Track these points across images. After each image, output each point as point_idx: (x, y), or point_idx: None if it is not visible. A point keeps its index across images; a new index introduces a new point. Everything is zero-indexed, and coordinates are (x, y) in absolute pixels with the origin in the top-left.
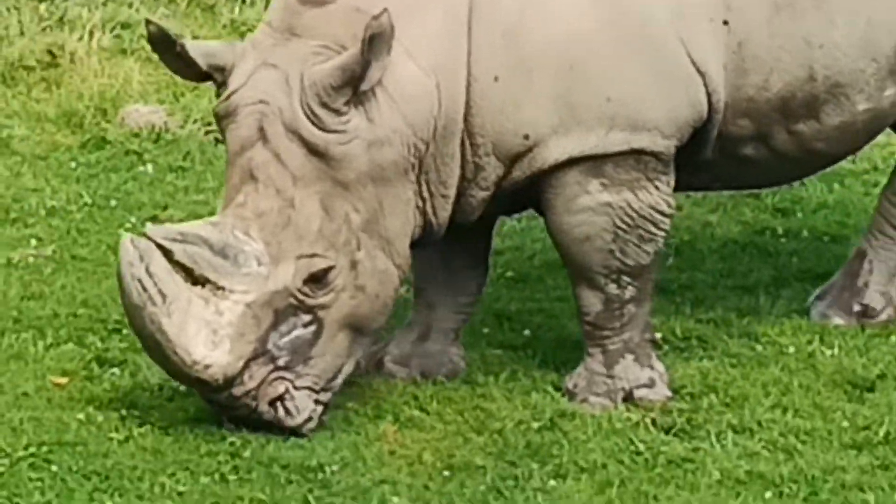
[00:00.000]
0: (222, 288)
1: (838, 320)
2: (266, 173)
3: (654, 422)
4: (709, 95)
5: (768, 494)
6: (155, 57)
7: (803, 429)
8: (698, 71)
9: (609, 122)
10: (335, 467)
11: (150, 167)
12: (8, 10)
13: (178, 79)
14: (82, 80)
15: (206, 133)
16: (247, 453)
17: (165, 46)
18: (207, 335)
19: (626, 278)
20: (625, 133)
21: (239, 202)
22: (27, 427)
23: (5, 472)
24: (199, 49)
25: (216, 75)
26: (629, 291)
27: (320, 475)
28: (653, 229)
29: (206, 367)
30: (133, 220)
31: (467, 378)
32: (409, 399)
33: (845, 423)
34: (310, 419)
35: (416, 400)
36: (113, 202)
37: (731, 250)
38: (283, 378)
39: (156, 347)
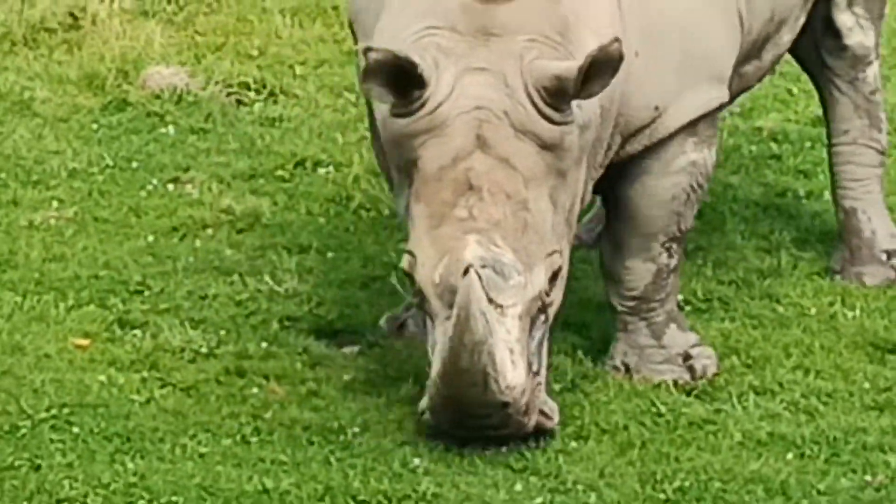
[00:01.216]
0: (501, 305)
1: (869, 280)
2: (491, 180)
3: (675, 383)
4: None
5: (789, 456)
6: (177, 18)
7: (825, 390)
8: (740, 21)
9: (708, 79)
10: (356, 429)
11: (171, 129)
12: None
13: (199, 40)
14: (104, 43)
15: (228, 95)
16: (268, 415)
17: (389, 75)
18: (509, 357)
19: (675, 245)
20: (718, 88)
21: (462, 217)
22: (49, 389)
23: (27, 434)
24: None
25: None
26: (674, 260)
27: (342, 437)
28: (706, 187)
29: (512, 388)
30: (154, 181)
31: None
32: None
33: (867, 385)
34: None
35: None
36: (134, 164)
37: (753, 212)
38: (539, 384)
39: (473, 379)
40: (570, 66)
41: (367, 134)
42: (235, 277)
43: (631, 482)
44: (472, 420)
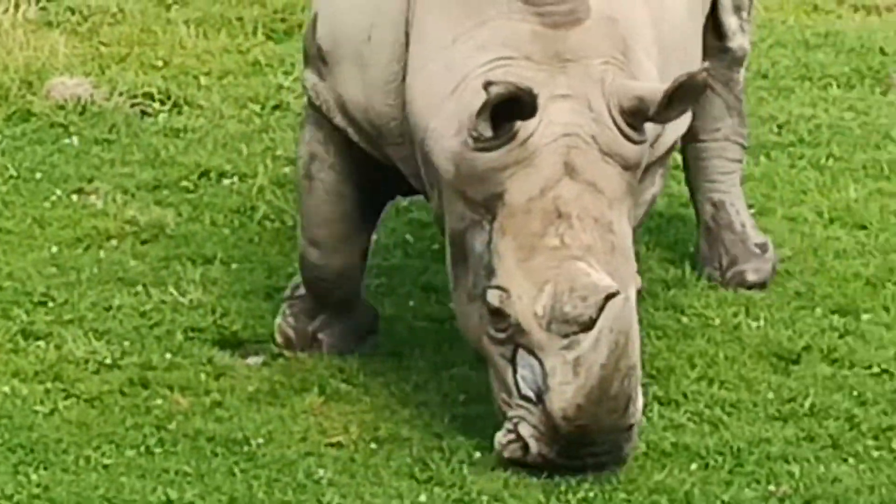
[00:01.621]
0: None
1: (752, 276)
2: (579, 206)
3: None
4: None
5: (693, 466)
6: (81, 29)
7: (729, 401)
8: None
9: None
10: (261, 440)
11: (75, 140)
12: None
13: (103, 50)
14: (7, 53)
15: (133, 105)
16: (172, 426)
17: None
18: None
19: None
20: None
21: (554, 245)
22: None
23: None
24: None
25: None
26: None
27: (246, 448)
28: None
29: (638, 410)
30: (58, 192)
31: (393, 350)
32: (335, 372)
33: (771, 395)
34: None
35: (341, 372)
36: (38, 175)
37: (657, 222)
38: None
39: (619, 405)
40: (653, 88)
41: (272, 144)
42: (139, 288)
43: (535, 493)
44: (589, 447)
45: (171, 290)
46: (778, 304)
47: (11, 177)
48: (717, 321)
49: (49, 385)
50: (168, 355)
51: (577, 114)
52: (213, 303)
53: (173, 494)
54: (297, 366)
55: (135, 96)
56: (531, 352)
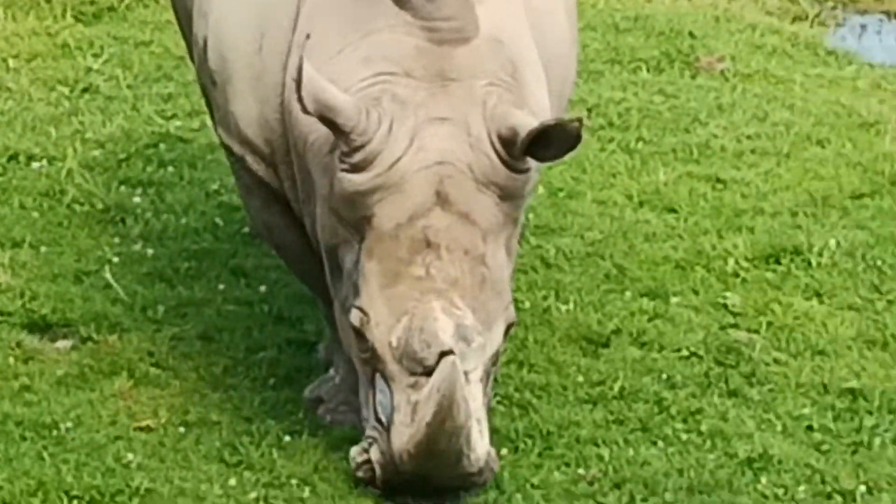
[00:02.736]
0: (465, 372)
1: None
2: (449, 237)
3: None
4: None
5: (504, 451)
6: None
7: (538, 384)
8: None
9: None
10: (69, 424)
11: None
12: None
13: None
14: None
15: None
16: None
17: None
18: (477, 428)
19: None
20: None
21: (419, 275)
22: None
23: None
24: (314, 87)
25: (333, 131)
26: None
27: (54, 432)
28: None
29: (479, 459)
30: None
31: (203, 334)
32: (145, 355)
33: (580, 378)
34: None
35: (151, 356)
36: None
37: None
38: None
39: (447, 460)
40: (528, 123)
41: (81, 127)
42: None
43: (344, 476)
44: (430, 487)
45: None
46: (588, 287)
47: None
48: (527, 304)
49: None
50: None
51: (453, 140)
52: (22, 286)
53: None
54: (106, 350)
55: None
56: (385, 380)
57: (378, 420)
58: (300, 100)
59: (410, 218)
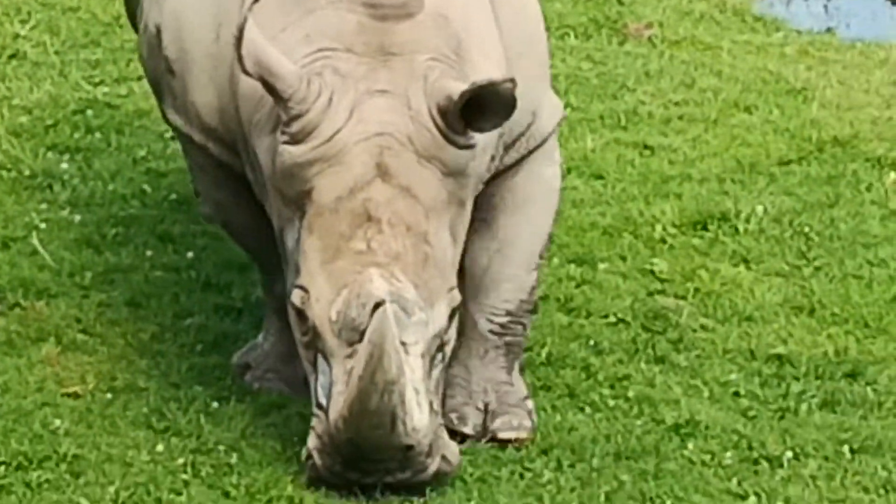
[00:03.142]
0: (404, 343)
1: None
2: (391, 211)
3: None
4: None
5: None
6: None
7: None
8: None
9: (550, 87)
10: None
11: None
12: None
13: None
14: None
15: None
16: None
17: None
18: (415, 397)
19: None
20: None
21: (360, 249)
22: None
23: None
24: (256, 49)
25: (273, 96)
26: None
27: None
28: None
29: (417, 431)
30: None
31: (130, 300)
32: (72, 322)
33: None
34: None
35: (78, 322)
36: None
37: None
38: (440, 425)
39: (380, 421)
40: (460, 88)
41: (8, 94)
42: None
43: (272, 442)
44: (370, 463)
45: None
46: None
47: None
48: None
49: None
50: None
51: (394, 112)
52: None
53: None
54: (33, 315)
55: None
56: (326, 358)
57: (318, 405)
58: (240, 59)
59: (351, 191)
